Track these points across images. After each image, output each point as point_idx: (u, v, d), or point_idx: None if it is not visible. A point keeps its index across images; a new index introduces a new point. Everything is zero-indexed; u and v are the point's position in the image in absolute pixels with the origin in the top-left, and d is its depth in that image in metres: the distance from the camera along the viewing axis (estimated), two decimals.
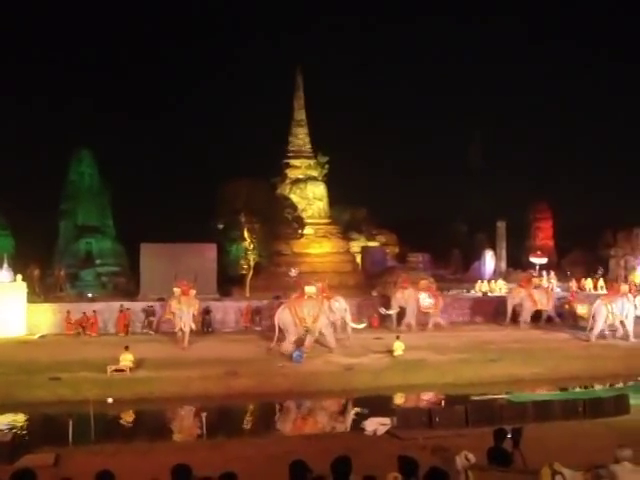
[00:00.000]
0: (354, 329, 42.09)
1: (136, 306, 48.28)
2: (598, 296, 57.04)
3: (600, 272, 66.74)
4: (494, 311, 53.22)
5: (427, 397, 33.62)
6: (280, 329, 40.15)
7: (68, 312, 46.22)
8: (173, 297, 42.81)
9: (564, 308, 51.92)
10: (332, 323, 41.29)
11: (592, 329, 44.24)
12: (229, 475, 8.49)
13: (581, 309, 51.27)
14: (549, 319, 50.53)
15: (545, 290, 52.42)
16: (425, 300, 48.86)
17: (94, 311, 46.51)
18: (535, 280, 52.73)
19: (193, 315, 42.59)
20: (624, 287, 46.56)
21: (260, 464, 8.29)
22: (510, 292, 52.93)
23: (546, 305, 50.33)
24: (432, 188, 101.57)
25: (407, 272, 63.86)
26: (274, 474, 9.20)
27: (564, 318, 51.15)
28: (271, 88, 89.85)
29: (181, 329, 41.99)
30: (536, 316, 50.45)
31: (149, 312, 47.56)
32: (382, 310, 48.30)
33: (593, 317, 44.70)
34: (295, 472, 8.57)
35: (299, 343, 39.69)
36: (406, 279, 50.79)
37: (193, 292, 43.47)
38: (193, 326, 42.49)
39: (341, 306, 41.59)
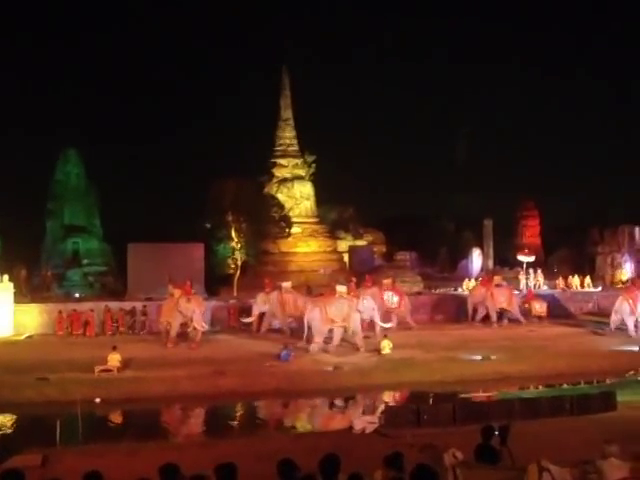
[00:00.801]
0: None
1: (126, 306, 48.15)
2: (587, 294, 57.56)
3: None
4: (456, 310, 52.99)
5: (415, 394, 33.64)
6: (309, 328, 40.19)
7: (60, 312, 46.09)
8: (179, 297, 42.16)
9: (523, 306, 51.54)
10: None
11: (612, 323, 45.08)
12: (227, 467, 8.49)
13: (539, 307, 51.19)
14: (510, 318, 50.04)
15: (507, 289, 51.68)
16: (390, 299, 48.58)
17: (91, 310, 46.56)
18: (496, 279, 52.38)
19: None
20: None
21: (249, 463, 8.31)
22: (471, 291, 52.72)
23: (507, 304, 49.80)
24: (419, 187, 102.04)
25: (394, 271, 64.03)
26: (263, 473, 9.22)
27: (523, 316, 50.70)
28: (257, 87, 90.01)
29: (194, 328, 41.96)
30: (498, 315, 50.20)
31: (142, 312, 47.43)
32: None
33: (615, 312, 44.91)
34: (283, 471, 8.57)
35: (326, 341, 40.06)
36: (369, 279, 50.60)
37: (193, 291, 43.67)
38: (205, 325, 42.55)
39: (369, 305, 41.88)
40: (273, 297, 45.94)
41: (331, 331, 40.46)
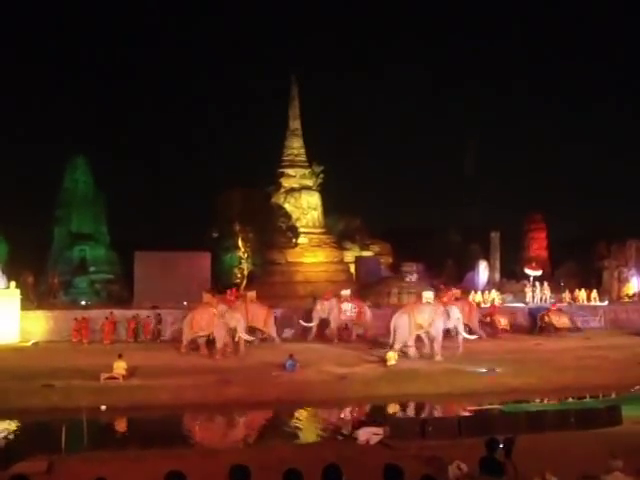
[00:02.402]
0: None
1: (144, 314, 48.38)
2: (594, 308, 57.44)
3: None
4: None
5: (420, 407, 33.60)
6: (395, 333, 40.57)
7: (76, 319, 46.32)
8: (217, 306, 41.87)
9: (486, 320, 51.21)
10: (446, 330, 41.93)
11: None
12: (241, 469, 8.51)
13: (503, 322, 50.80)
14: (470, 332, 47.82)
15: (466, 304, 50.36)
16: (348, 311, 48.31)
17: (106, 318, 46.87)
18: (455, 292, 50.89)
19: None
20: None
21: (253, 472, 8.33)
22: None
23: (466, 319, 47.75)
24: (426, 198, 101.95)
25: (401, 282, 64.08)
26: None
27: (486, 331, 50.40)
28: (266, 98, 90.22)
29: (240, 338, 41.85)
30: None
31: (156, 320, 47.67)
32: (302, 322, 47.80)
33: None
34: None
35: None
36: (329, 291, 50.30)
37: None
38: (248, 336, 42.64)
39: (455, 314, 42.11)
40: (239, 307, 45.79)
41: (418, 337, 41.12)
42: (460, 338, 42.63)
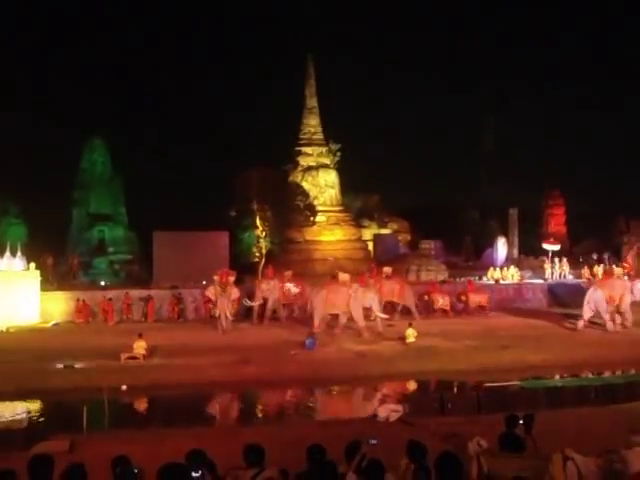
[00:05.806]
0: None
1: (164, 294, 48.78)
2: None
3: None
4: None
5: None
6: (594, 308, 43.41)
7: (78, 300, 46.77)
8: (350, 286, 42.04)
9: (423, 299, 49.81)
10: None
11: None
12: (255, 448, 8.56)
13: (442, 301, 49.47)
14: (406, 310, 47.62)
15: (397, 281, 49.13)
16: (291, 291, 48.04)
17: (109, 299, 47.40)
18: (386, 270, 49.58)
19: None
20: None
21: (275, 450, 8.42)
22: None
23: (397, 297, 47.66)
24: (444, 175, 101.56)
25: (419, 259, 64.07)
26: (290, 459, 9.30)
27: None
28: (283, 75, 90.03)
29: (376, 316, 42.34)
30: (391, 308, 47.77)
31: (177, 299, 48.27)
32: (246, 301, 47.00)
33: None
34: (313, 456, 8.67)
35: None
36: (271, 269, 49.84)
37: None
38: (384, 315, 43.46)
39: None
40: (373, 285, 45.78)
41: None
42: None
